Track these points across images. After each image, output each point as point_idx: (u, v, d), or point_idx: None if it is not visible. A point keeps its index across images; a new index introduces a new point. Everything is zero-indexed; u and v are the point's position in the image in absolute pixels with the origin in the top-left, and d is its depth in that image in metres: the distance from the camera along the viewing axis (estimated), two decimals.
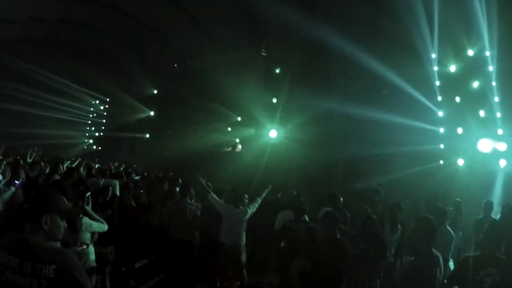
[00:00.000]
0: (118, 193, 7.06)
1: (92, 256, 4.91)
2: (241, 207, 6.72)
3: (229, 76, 17.32)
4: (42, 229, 2.49)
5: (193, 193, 7.61)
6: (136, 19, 17.59)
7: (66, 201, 3.12)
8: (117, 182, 7.48)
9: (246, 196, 7.05)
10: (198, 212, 6.96)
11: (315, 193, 8.78)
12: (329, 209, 5.33)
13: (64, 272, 2.40)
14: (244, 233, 6.75)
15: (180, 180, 9.43)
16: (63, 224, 2.89)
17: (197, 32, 17.56)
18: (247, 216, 6.69)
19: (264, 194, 7.19)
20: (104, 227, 5.06)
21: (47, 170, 8.51)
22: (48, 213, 2.56)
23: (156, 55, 20.18)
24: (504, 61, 9.96)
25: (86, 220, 4.83)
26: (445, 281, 3.95)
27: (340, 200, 7.06)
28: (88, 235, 4.90)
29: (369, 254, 4.47)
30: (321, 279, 4.21)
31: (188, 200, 6.92)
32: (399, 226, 6.02)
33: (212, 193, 6.82)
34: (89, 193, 5.15)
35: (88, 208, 4.97)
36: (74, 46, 19.03)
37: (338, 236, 4.47)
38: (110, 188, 6.35)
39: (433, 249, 3.98)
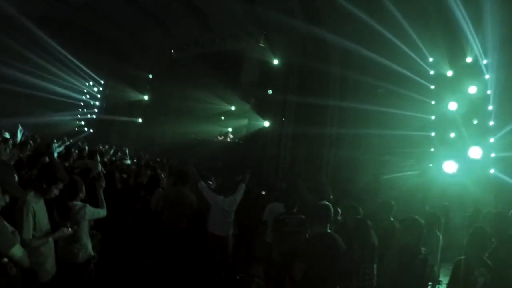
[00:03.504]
0: None
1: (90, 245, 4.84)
2: (230, 196, 6.70)
3: (225, 66, 17.26)
4: None
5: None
6: (136, 3, 17.36)
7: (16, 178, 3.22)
8: (99, 164, 7.42)
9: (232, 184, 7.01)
10: (195, 202, 6.75)
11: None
12: (325, 202, 5.12)
13: None
14: (232, 223, 6.76)
15: (168, 166, 9.36)
16: (3, 198, 3.05)
17: (196, 20, 17.41)
18: (236, 205, 6.70)
19: (246, 180, 7.06)
20: (104, 212, 4.97)
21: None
22: None
23: (154, 40, 19.98)
24: (500, 70, 10.02)
25: (89, 208, 4.74)
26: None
27: (330, 196, 7.09)
28: (87, 223, 4.79)
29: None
30: (315, 280, 4.17)
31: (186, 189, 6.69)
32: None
33: (202, 182, 6.78)
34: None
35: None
36: (70, 27, 18.72)
37: (329, 231, 4.44)
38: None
39: (422, 248, 4.08)
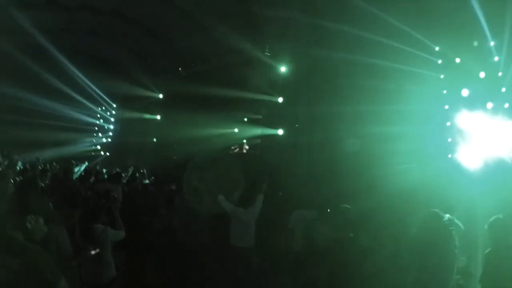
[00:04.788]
0: (120, 198, 7.03)
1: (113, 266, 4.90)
2: (249, 207, 6.67)
3: (234, 78, 17.36)
4: (25, 227, 2.66)
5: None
6: (139, 24, 17.64)
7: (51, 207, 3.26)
8: (118, 187, 7.49)
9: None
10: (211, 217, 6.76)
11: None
12: (346, 205, 5.02)
13: (30, 267, 2.52)
14: (254, 234, 6.73)
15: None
16: (45, 228, 3.10)
17: (201, 35, 17.59)
18: (255, 216, 6.67)
19: (264, 190, 7.03)
20: (123, 233, 5.04)
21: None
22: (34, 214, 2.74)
23: (161, 59, 20.25)
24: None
25: (110, 230, 4.81)
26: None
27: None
28: (109, 245, 4.88)
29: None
30: (340, 285, 4.10)
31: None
32: None
33: (221, 195, 6.75)
34: None
35: None
36: (77, 54, 19.09)
37: (351, 235, 4.35)
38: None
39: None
